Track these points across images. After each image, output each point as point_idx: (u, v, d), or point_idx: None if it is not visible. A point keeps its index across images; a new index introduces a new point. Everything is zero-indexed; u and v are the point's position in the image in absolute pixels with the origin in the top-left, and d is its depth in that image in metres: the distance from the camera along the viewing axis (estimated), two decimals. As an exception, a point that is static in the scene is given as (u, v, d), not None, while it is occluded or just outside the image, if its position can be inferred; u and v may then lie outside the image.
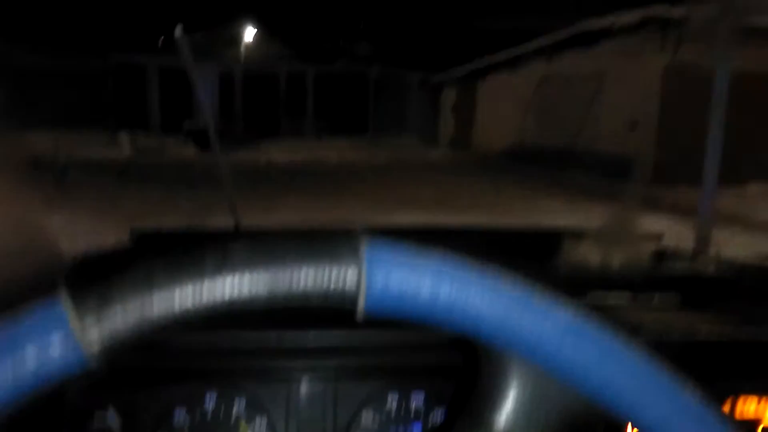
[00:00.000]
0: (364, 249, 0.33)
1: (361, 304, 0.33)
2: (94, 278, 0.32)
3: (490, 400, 0.36)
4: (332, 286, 0.32)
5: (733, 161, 8.59)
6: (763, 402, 0.69)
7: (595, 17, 10.87)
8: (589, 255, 0.90)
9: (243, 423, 0.68)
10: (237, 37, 23.98)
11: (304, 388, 0.70)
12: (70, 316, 0.30)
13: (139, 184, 8.99)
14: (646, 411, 0.34)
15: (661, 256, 0.99)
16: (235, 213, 1.74)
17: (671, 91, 9.94)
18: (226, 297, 0.31)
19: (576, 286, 0.86)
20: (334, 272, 0.32)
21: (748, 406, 0.69)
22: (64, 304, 0.31)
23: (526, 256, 0.95)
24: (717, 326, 0.70)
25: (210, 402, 0.68)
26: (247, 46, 23.89)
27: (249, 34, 24.20)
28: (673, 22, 9.32)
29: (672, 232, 4.93)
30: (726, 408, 0.68)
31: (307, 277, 0.32)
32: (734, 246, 5.73)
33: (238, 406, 0.68)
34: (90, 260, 0.95)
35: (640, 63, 10.26)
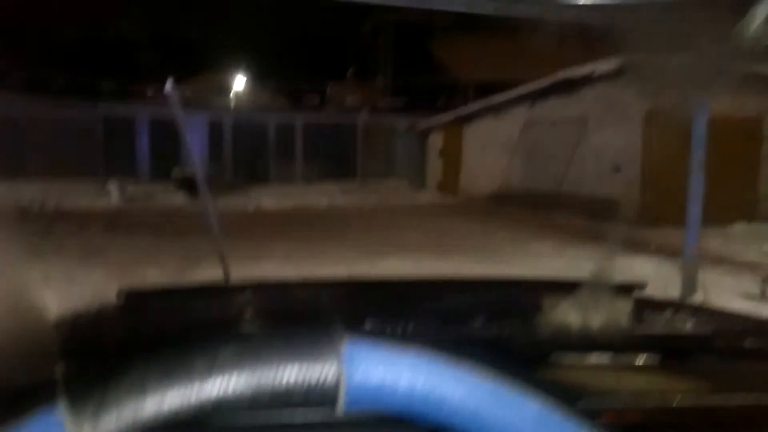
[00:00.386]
0: (344, 348, 0.35)
1: (341, 401, 0.35)
2: (90, 383, 0.34)
3: None
4: (313, 386, 0.34)
5: (717, 202, 8.74)
6: None
7: (576, 66, 11.17)
8: (569, 314, 0.93)
9: None
10: (227, 86, 24.32)
11: None
12: (68, 425, 0.32)
13: (127, 234, 8.96)
14: None
15: (642, 310, 1.02)
16: (224, 263, 1.76)
17: (653, 135, 10.16)
18: (214, 398, 0.33)
19: (556, 347, 0.89)
20: (315, 372, 0.34)
21: None
22: (63, 414, 0.33)
23: (508, 316, 0.98)
24: (692, 390, 0.72)
25: None
26: (237, 94, 24.22)
27: (239, 82, 24.58)
28: (652, 69, 9.58)
29: (659, 274, 4.97)
30: None
31: (289, 378, 0.34)
32: (720, 289, 5.79)
33: None
34: (82, 332, 0.96)
35: (621, 108, 10.51)
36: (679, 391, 0.70)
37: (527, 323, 0.92)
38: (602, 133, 11.16)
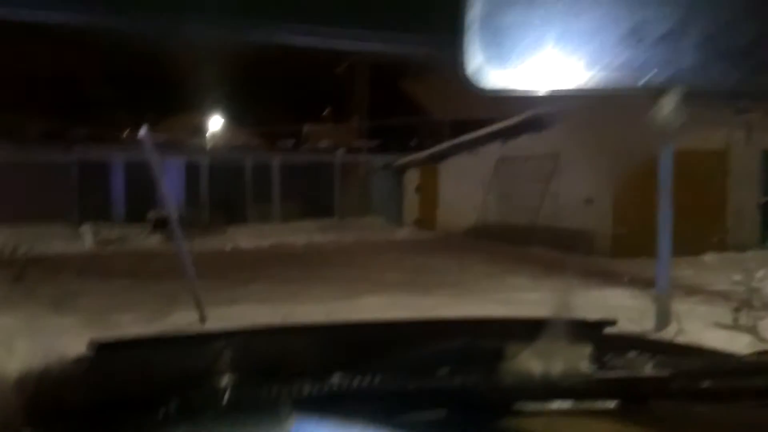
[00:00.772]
0: (291, 427, 0.37)
1: None
2: None
3: None
4: None
5: (688, 233, 8.91)
6: None
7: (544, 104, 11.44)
8: (531, 361, 0.95)
9: None
10: (203, 127, 24.38)
11: None
12: None
13: (101, 278, 8.82)
14: None
15: (604, 352, 1.04)
16: (199, 307, 1.76)
17: (622, 169, 10.37)
18: None
19: (518, 395, 0.91)
20: None
21: None
22: None
23: (471, 363, 1.00)
24: None
25: None
26: (214, 135, 24.27)
27: (215, 123, 24.66)
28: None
29: (634, 305, 5.02)
30: None
31: None
32: (694, 318, 5.86)
33: None
34: (48, 392, 0.96)
35: (594, 141, 10.74)
36: None
37: (491, 371, 0.94)
38: (574, 167, 11.38)
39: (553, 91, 0.39)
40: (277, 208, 18.11)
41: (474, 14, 0.38)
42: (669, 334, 5.21)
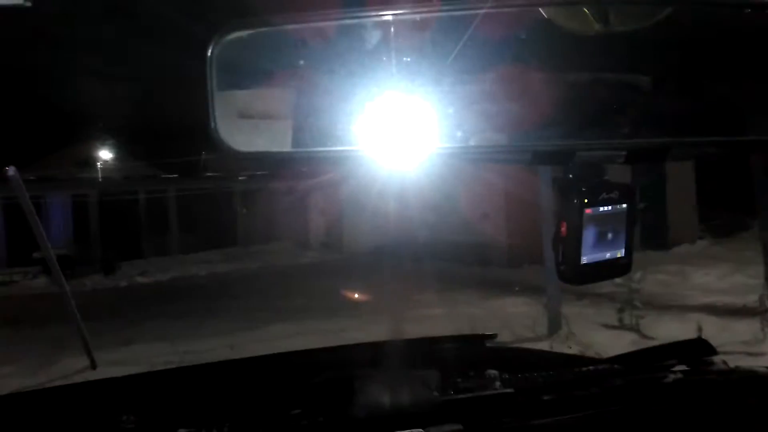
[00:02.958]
0: None
1: None
2: None
3: None
4: None
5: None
6: None
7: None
8: (380, 393, 0.98)
9: None
10: (93, 160, 23.13)
11: None
12: None
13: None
14: None
15: (452, 376, 1.08)
16: (88, 351, 1.66)
17: (513, 184, 10.89)
18: None
19: (369, 427, 0.93)
20: None
21: None
22: None
23: (325, 399, 1.01)
24: None
25: None
26: (104, 167, 23.08)
27: (106, 155, 23.47)
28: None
29: (529, 311, 5.19)
30: None
31: None
32: (583, 320, 6.20)
33: None
34: None
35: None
36: None
37: (341, 406, 0.95)
38: (472, 182, 11.80)
39: (298, 153, 0.42)
40: (176, 240, 17.46)
41: (213, 83, 0.40)
42: (560, 337, 5.49)
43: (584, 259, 0.62)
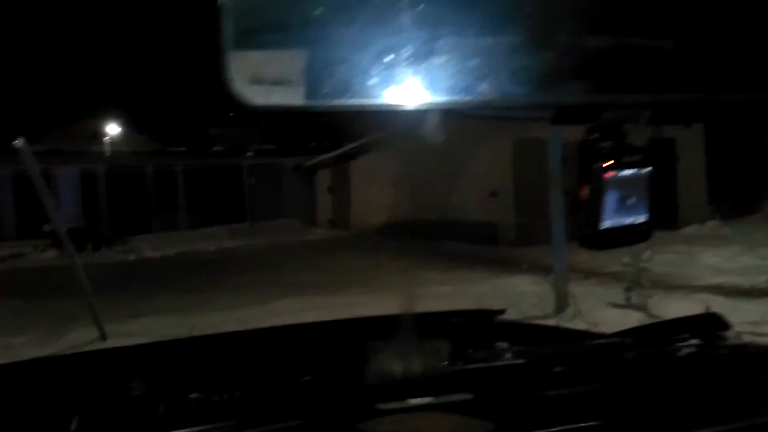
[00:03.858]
0: None
1: None
2: None
3: None
4: None
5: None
6: None
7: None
8: (392, 360, 0.98)
9: None
10: (100, 133, 23.14)
11: None
12: None
13: (-9, 299, 8.20)
14: None
15: (464, 346, 1.08)
16: (98, 323, 1.68)
17: (522, 162, 10.84)
18: None
19: (380, 394, 0.93)
20: None
21: None
22: None
23: (336, 365, 1.01)
24: (487, 427, 0.78)
25: None
26: (112, 141, 23.11)
27: (113, 129, 23.50)
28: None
29: (536, 290, 5.19)
30: None
31: None
32: (590, 299, 6.20)
33: None
34: None
35: (492, 138, 11.15)
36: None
37: (352, 373, 0.95)
38: (479, 161, 11.75)
39: (315, 106, 0.41)
40: (184, 215, 17.51)
41: (228, 36, 0.38)
42: (567, 316, 5.49)
43: (605, 224, 0.60)
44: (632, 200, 0.60)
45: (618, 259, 6.64)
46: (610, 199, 0.60)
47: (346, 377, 0.95)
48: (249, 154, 18.85)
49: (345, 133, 19.48)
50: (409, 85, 0.41)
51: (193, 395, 0.88)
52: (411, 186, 14.01)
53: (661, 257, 7.47)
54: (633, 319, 5.49)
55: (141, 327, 5.83)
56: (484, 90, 0.42)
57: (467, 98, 0.43)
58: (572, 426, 0.79)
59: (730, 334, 1.15)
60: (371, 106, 0.41)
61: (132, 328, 5.73)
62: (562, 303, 5.63)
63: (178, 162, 17.92)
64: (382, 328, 1.48)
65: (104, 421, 0.85)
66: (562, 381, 1.00)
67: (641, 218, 0.61)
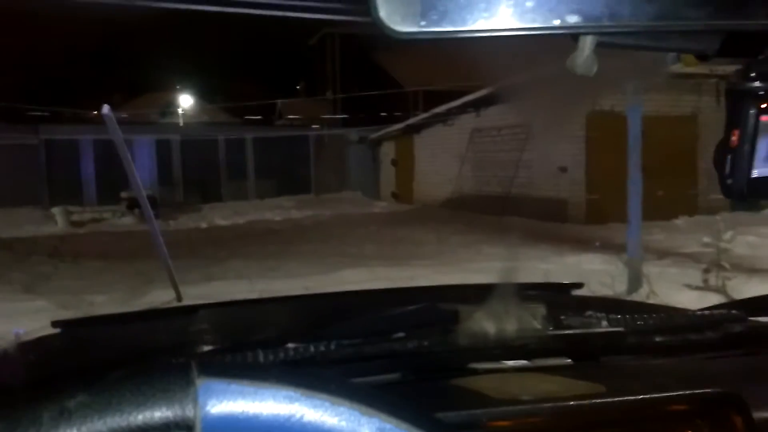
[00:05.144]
0: (199, 386, 0.36)
1: None
2: None
3: None
4: (169, 425, 0.35)
5: (660, 197, 9.04)
6: None
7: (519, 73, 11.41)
8: (485, 322, 0.95)
9: None
10: (174, 104, 23.91)
11: None
12: None
13: (73, 260, 8.69)
14: None
15: (559, 312, 1.05)
16: (175, 285, 1.75)
17: (594, 136, 10.47)
18: None
19: (472, 355, 0.92)
20: (169, 413, 0.35)
21: None
22: None
23: (429, 326, 1.00)
24: (595, 391, 0.75)
25: None
26: (186, 112, 23.85)
27: (186, 101, 24.23)
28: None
29: (607, 270, 5.04)
30: None
31: (143, 422, 0.34)
32: (665, 280, 5.96)
33: None
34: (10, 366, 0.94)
35: (564, 112, 10.79)
36: (581, 393, 0.73)
37: (446, 333, 0.94)
38: (547, 136, 11.43)
39: (467, 34, 0.38)
40: (252, 185, 17.95)
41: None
42: (640, 296, 5.31)
43: (755, 173, 0.55)
44: None
45: (697, 240, 6.36)
46: (763, 145, 0.55)
47: (439, 337, 0.93)
48: (315, 126, 19.06)
49: (411, 105, 19.35)
50: (578, 8, 0.38)
51: (290, 345, 0.89)
52: (476, 160, 13.83)
53: (743, 239, 7.10)
54: (711, 301, 5.26)
55: (213, 290, 6.04)
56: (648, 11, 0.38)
57: (634, 21, 0.39)
58: (680, 393, 0.75)
59: None
60: (531, 31, 0.38)
61: (205, 291, 5.94)
62: (635, 283, 5.45)
63: (247, 133, 18.33)
64: (460, 293, 1.46)
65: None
66: (665, 351, 0.95)
67: None
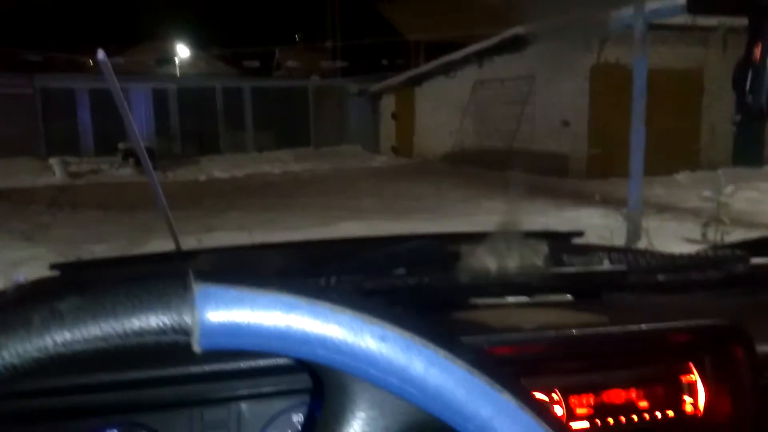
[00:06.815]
0: (195, 289, 0.34)
1: (196, 343, 0.34)
2: None
3: (335, 421, 0.38)
4: (165, 331, 0.33)
5: (662, 152, 8.98)
6: (631, 391, 0.74)
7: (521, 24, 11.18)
8: (487, 260, 0.94)
9: None
10: (171, 55, 23.50)
11: (207, 414, 0.70)
12: None
13: (72, 210, 8.69)
14: (471, 419, 0.36)
15: (560, 253, 1.04)
16: (174, 235, 1.74)
17: (598, 90, 10.32)
18: (54, 351, 0.32)
19: (472, 290, 0.90)
20: (166, 318, 0.33)
21: (613, 397, 0.74)
22: None
23: (430, 263, 0.99)
24: (595, 322, 0.74)
25: None
26: (182, 62, 23.45)
27: (183, 50, 23.79)
28: (596, 26, 9.69)
29: (606, 223, 5.05)
30: (593, 398, 0.72)
31: (138, 325, 0.33)
32: (664, 234, 5.98)
33: None
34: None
35: (567, 64, 10.62)
36: (581, 323, 0.72)
37: (446, 271, 0.93)
38: (550, 89, 11.28)
39: None
40: (251, 138, 17.80)
41: None
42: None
43: None
44: None
45: (698, 195, 6.34)
46: None
47: (440, 273, 0.92)
48: (314, 77, 18.76)
49: (412, 56, 19.02)
50: None
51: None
52: (478, 113, 13.68)
53: (743, 194, 7.09)
54: (709, 255, 5.28)
55: (213, 241, 6.04)
56: None
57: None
58: (683, 324, 0.75)
59: None
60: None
61: (205, 242, 5.96)
62: (634, 236, 5.46)
63: (245, 83, 18.05)
64: (464, 239, 1.44)
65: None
66: (667, 289, 0.94)
67: None
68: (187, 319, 0.34)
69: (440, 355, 0.37)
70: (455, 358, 0.37)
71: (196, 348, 0.34)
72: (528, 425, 0.36)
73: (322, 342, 0.36)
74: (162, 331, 0.33)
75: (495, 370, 0.37)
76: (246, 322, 0.34)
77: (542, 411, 0.37)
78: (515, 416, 0.36)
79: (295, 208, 8.53)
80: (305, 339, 0.35)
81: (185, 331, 0.34)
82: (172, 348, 0.34)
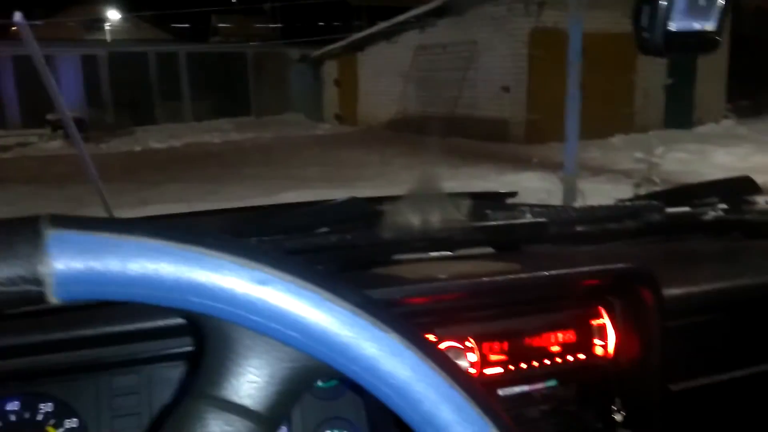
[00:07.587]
0: (47, 234, 0.31)
1: (51, 293, 0.31)
2: None
3: (215, 372, 0.37)
4: (13, 280, 0.30)
5: (597, 116, 9.21)
6: (543, 336, 0.75)
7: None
8: (409, 218, 0.94)
9: (51, 428, 0.65)
10: (101, 19, 22.36)
11: (116, 381, 0.68)
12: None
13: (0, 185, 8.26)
14: (356, 360, 0.35)
15: (483, 209, 1.05)
16: (108, 209, 1.66)
17: (537, 55, 10.45)
18: None
19: (395, 247, 0.90)
20: (14, 267, 0.30)
21: (526, 343, 0.75)
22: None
23: (354, 222, 0.97)
24: (512, 270, 0.75)
25: (12, 408, 0.64)
26: (113, 27, 22.36)
27: (113, 15, 22.66)
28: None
29: (542, 186, 5.17)
30: (507, 345, 0.74)
31: None
32: (598, 195, 6.18)
33: (44, 411, 0.65)
34: None
35: (507, 29, 10.69)
36: (495, 272, 0.73)
37: (369, 227, 0.92)
38: (491, 54, 11.35)
39: None
40: (189, 107, 17.23)
41: None
42: (574, 211, 5.49)
43: (672, 26, 0.53)
44: (703, 2, 0.52)
45: (631, 157, 6.55)
46: None
47: (363, 231, 0.91)
48: (253, 42, 18.24)
49: (353, 21, 18.74)
50: None
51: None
52: (420, 80, 13.64)
53: (673, 155, 7.38)
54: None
55: (149, 214, 5.88)
56: None
57: None
58: (591, 268, 0.76)
59: (759, 198, 1.11)
60: None
61: (141, 215, 5.78)
62: (569, 198, 5.62)
63: (180, 49, 17.37)
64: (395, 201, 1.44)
65: None
66: (586, 239, 0.97)
67: (710, 25, 0.53)
68: (39, 267, 0.31)
69: (323, 297, 0.35)
70: (339, 300, 0.35)
71: (52, 299, 0.32)
72: (415, 364, 0.36)
73: (195, 289, 0.33)
74: (10, 281, 0.30)
75: (382, 311, 0.36)
76: (107, 269, 0.32)
77: (430, 349, 0.36)
78: (401, 355, 0.35)
79: (236, 179, 8.36)
80: (175, 286, 0.33)
81: (37, 281, 0.31)
82: (26, 300, 0.31)
